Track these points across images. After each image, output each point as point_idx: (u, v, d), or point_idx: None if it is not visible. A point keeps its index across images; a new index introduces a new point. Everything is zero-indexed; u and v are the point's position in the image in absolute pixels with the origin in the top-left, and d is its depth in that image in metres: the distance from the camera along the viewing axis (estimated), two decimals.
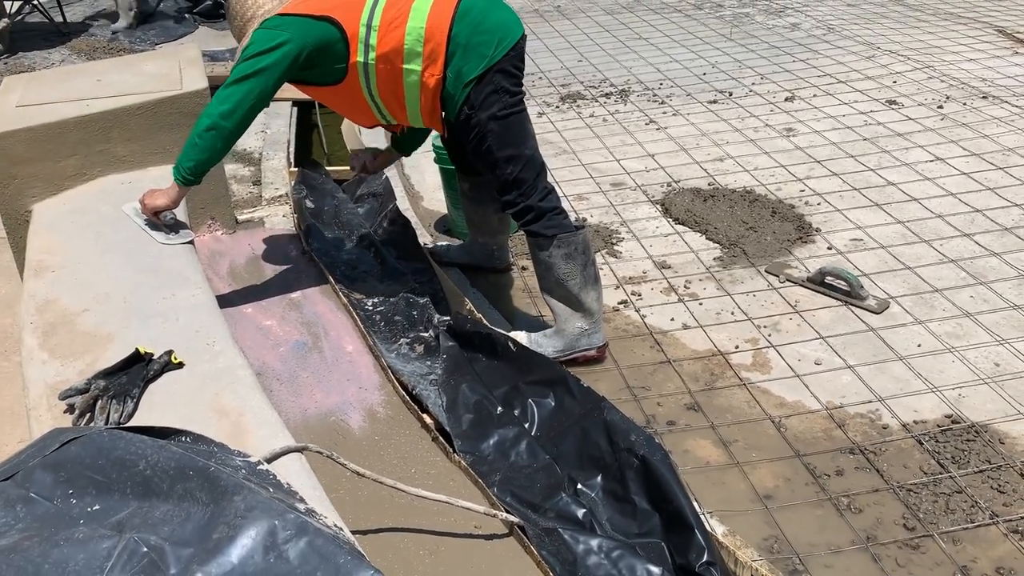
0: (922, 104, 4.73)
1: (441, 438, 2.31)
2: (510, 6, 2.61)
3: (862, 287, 2.99)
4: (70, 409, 1.76)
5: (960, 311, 2.91)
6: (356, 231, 3.48)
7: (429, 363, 2.64)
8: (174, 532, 1.32)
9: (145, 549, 1.27)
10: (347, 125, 4.85)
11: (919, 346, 2.76)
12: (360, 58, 2.46)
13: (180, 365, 1.87)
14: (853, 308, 2.97)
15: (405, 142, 3.05)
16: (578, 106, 5.05)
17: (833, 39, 6.05)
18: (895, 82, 5.10)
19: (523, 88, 2.60)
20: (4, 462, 1.48)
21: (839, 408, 2.52)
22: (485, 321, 2.78)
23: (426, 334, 2.80)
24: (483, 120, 2.49)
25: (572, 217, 2.84)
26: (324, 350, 2.71)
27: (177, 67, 3.28)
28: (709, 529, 1.94)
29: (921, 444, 2.36)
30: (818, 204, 3.70)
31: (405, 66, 2.46)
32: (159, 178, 2.88)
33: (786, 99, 4.95)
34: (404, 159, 4.37)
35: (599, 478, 2.09)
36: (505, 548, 1.91)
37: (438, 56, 2.44)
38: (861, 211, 3.63)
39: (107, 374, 1.80)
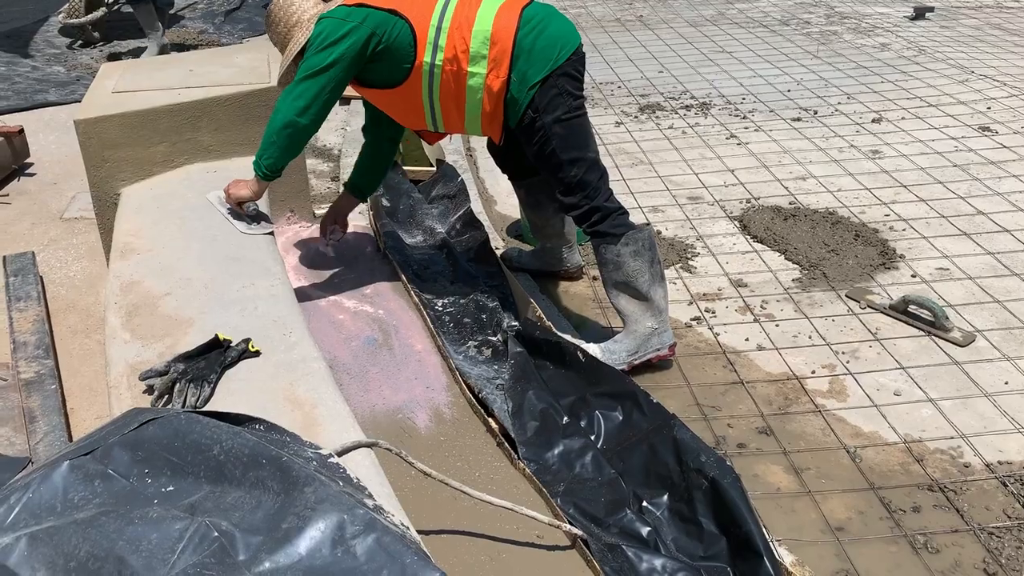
0: (1018, 132, 4.55)
1: (506, 444, 2.29)
2: (568, 18, 2.64)
3: (947, 318, 2.88)
4: (149, 390, 1.79)
5: None
6: (430, 231, 3.50)
7: (496, 367, 2.63)
8: (244, 519, 1.33)
9: (216, 534, 1.28)
10: None
11: (1006, 383, 2.64)
12: (427, 58, 2.50)
13: (257, 353, 1.89)
14: (937, 339, 2.86)
15: (365, 184, 3.08)
16: (657, 117, 5.00)
17: (924, 61, 5.87)
18: (989, 108, 4.92)
19: (584, 93, 2.62)
20: (84, 437, 1.52)
21: (918, 442, 2.42)
22: (554, 328, 2.76)
23: (494, 338, 2.79)
24: (548, 123, 2.51)
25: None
26: (394, 347, 2.72)
27: (266, 61, 3.35)
28: (778, 557, 1.88)
29: (1005, 486, 2.25)
30: (903, 230, 3.58)
31: (470, 69, 2.49)
32: (243, 168, 2.93)
33: (873, 120, 4.81)
34: (479, 162, 4.38)
35: (666, 497, 2.05)
36: (567, 560, 1.89)
37: (503, 59, 2.47)
38: (948, 239, 3.50)
39: (186, 358, 1.83)
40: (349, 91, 4.95)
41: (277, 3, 2.64)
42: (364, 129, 3.04)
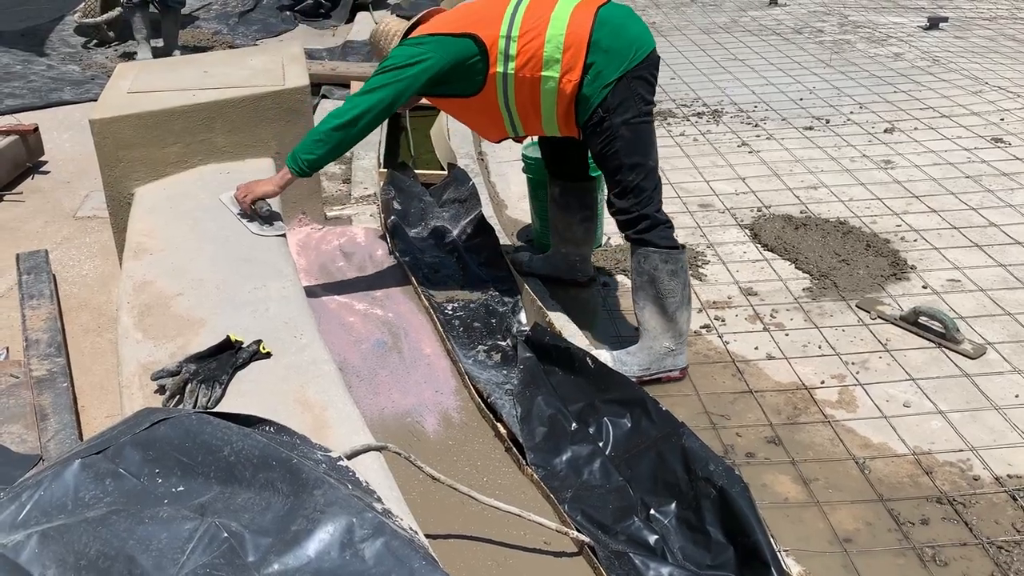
0: None
1: (514, 449, 2.30)
2: (644, 22, 2.66)
3: (958, 330, 2.87)
4: (161, 390, 1.80)
5: None
6: (440, 235, 3.51)
7: (505, 372, 2.63)
8: (254, 520, 1.33)
9: (226, 535, 1.29)
10: (436, 129, 4.90)
11: (1016, 396, 2.63)
12: (500, 68, 2.55)
13: (268, 355, 1.90)
14: (947, 351, 2.85)
15: None
16: (668, 124, 5.00)
17: (938, 71, 5.85)
18: (1003, 119, 4.90)
19: (655, 101, 2.65)
20: (96, 436, 1.52)
21: (927, 454, 2.41)
22: (563, 334, 2.76)
23: (504, 343, 2.79)
24: (616, 124, 2.53)
25: None
26: (403, 351, 2.73)
27: (280, 63, 3.36)
28: (785, 568, 1.87)
29: (1015, 500, 2.24)
30: (915, 241, 3.57)
31: (544, 73, 2.52)
32: (256, 170, 2.95)
33: (885, 130, 4.80)
34: (490, 167, 4.39)
35: (673, 505, 2.05)
36: (574, 567, 1.89)
37: (577, 62, 2.50)
38: (960, 251, 3.49)
39: (198, 358, 1.84)
40: None
41: (378, 28, 2.82)
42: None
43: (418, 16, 2.74)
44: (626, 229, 2.64)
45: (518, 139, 2.90)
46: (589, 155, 2.94)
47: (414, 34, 2.64)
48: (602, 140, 2.57)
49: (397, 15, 2.89)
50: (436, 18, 2.67)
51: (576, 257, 3.20)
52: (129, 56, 6.26)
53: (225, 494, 1.39)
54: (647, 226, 2.60)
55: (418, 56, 2.53)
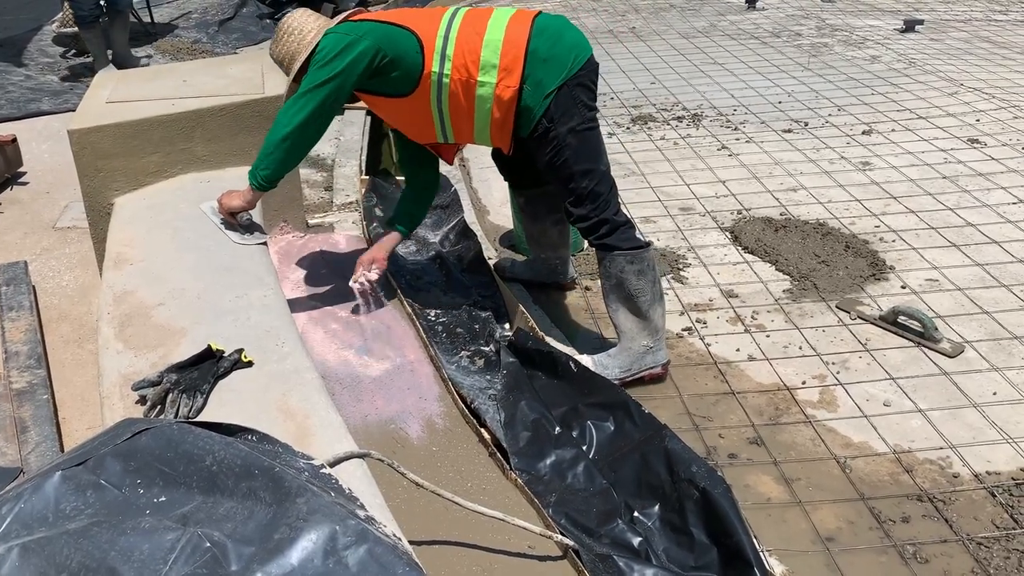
0: (1006, 144, 4.59)
1: (498, 454, 2.30)
2: (580, 30, 2.65)
3: (936, 329, 2.90)
4: (142, 400, 1.80)
5: None
6: (423, 241, 3.51)
7: (489, 377, 2.64)
8: (236, 529, 1.33)
9: (208, 544, 1.29)
10: None
11: (995, 394, 2.66)
12: (435, 68, 2.50)
13: (249, 364, 1.90)
14: (926, 350, 2.88)
15: (407, 215, 3.03)
16: (649, 128, 5.02)
17: (914, 73, 5.91)
18: (978, 120, 4.96)
19: (597, 106, 2.63)
20: (76, 448, 1.52)
21: (907, 452, 2.44)
22: (547, 339, 2.77)
23: (487, 348, 2.80)
24: (562, 133, 2.51)
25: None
26: (387, 357, 2.73)
27: (260, 71, 3.36)
28: (768, 568, 1.89)
29: (994, 496, 2.27)
30: (893, 241, 3.61)
31: (479, 78, 2.49)
32: (237, 178, 2.94)
33: (863, 132, 4.85)
34: (472, 172, 4.40)
35: (657, 507, 2.06)
36: (558, 571, 1.89)
37: (514, 69, 2.47)
38: (938, 251, 3.53)
39: (179, 368, 1.83)
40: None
41: (285, 21, 2.68)
42: (400, 163, 3.03)
43: (342, 16, 2.62)
44: (587, 235, 2.63)
45: (452, 148, 2.87)
46: None
47: (341, 20, 2.55)
48: (550, 150, 2.54)
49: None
50: (366, 14, 2.60)
51: (556, 260, 3.21)
52: (88, 71, 6.15)
53: (207, 504, 1.39)
54: (607, 230, 2.58)
55: (352, 42, 2.44)
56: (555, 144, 2.52)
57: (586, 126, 2.55)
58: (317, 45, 2.52)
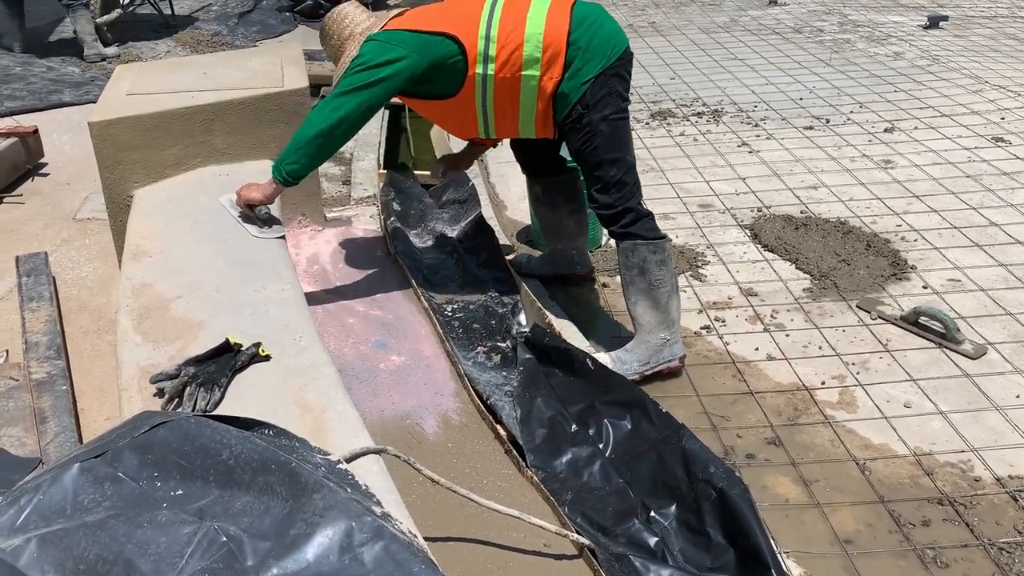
0: None
1: (514, 451, 2.29)
2: (616, 20, 2.67)
3: (958, 330, 2.87)
4: (160, 393, 1.80)
5: None
6: (440, 236, 3.50)
7: (505, 374, 2.63)
8: (253, 524, 1.33)
9: (224, 539, 1.28)
10: (436, 130, 4.90)
11: (1018, 397, 2.63)
12: (479, 70, 2.53)
13: (267, 358, 1.90)
14: (948, 352, 2.84)
15: None
16: (668, 124, 4.99)
17: (938, 71, 5.84)
18: (1003, 118, 4.90)
19: (630, 98, 2.67)
20: (94, 440, 1.52)
21: (928, 455, 2.41)
22: (563, 335, 2.75)
23: (503, 344, 2.79)
24: (595, 121, 2.54)
25: None
26: (403, 352, 2.73)
27: (279, 65, 3.36)
28: (786, 570, 1.87)
29: (1016, 500, 2.24)
30: (915, 240, 3.57)
31: (524, 73, 2.53)
32: (256, 171, 2.95)
33: (885, 130, 4.80)
34: (490, 167, 4.38)
35: (673, 507, 2.05)
36: (574, 570, 1.88)
37: (557, 60, 2.51)
38: (960, 251, 3.48)
39: (197, 361, 1.84)
40: None
41: (331, 16, 2.73)
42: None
43: (391, 15, 2.66)
44: (611, 224, 2.65)
45: (484, 141, 2.90)
46: (563, 149, 2.95)
47: (387, 27, 2.58)
48: (581, 137, 2.58)
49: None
50: (410, 14, 2.62)
51: (573, 251, 3.20)
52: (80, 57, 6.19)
53: (224, 498, 1.38)
54: (631, 219, 2.61)
55: (395, 56, 2.47)
56: (588, 131, 2.56)
57: (618, 116, 2.59)
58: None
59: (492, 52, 2.51)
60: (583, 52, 2.51)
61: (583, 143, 2.58)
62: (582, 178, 2.81)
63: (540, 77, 2.52)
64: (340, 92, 2.50)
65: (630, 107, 2.71)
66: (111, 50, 6.26)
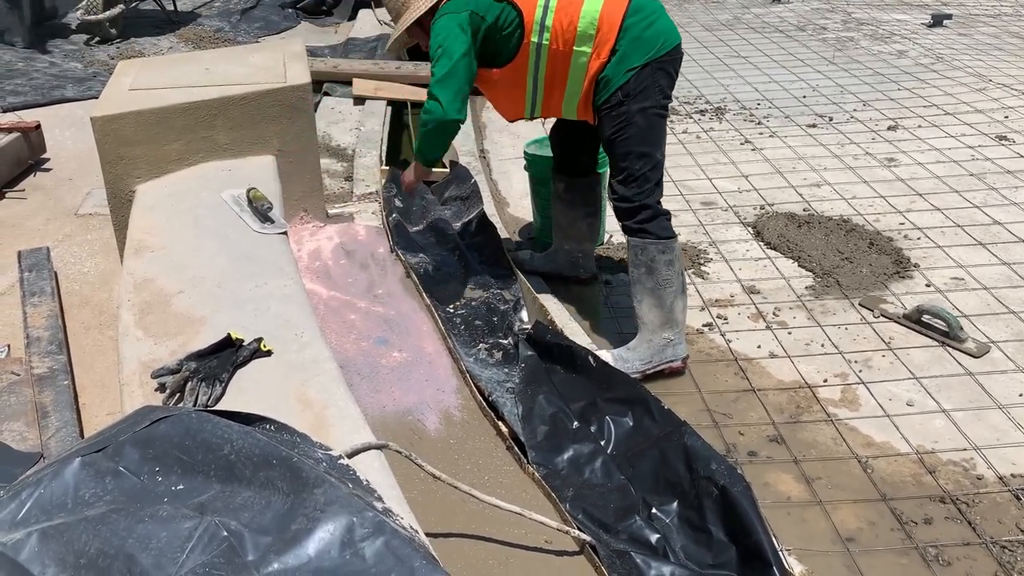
0: None
1: (515, 447, 2.29)
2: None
3: (961, 328, 2.86)
4: (161, 388, 1.79)
5: None
6: (442, 233, 3.50)
7: (507, 370, 2.62)
8: (254, 519, 1.32)
9: (225, 533, 1.28)
10: None
11: (1020, 395, 2.62)
12: (535, 39, 2.58)
13: (269, 353, 1.89)
14: (950, 350, 2.84)
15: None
16: (671, 121, 4.98)
17: (942, 69, 5.83)
18: (1007, 117, 4.88)
19: (672, 97, 2.71)
20: (96, 434, 1.52)
21: (930, 453, 2.41)
22: (565, 332, 2.75)
23: (505, 341, 2.78)
24: (633, 111, 2.57)
25: None
26: (405, 348, 2.72)
27: (282, 61, 3.35)
28: (787, 567, 1.87)
29: (1018, 499, 2.23)
30: (918, 239, 3.56)
31: (576, 48, 2.57)
32: (258, 167, 2.95)
33: (889, 128, 4.79)
34: (492, 164, 4.38)
35: (675, 504, 2.04)
36: (575, 566, 1.88)
37: (607, 42, 2.55)
38: (964, 249, 3.48)
39: (198, 356, 1.83)
40: (362, 91, 4.91)
41: None
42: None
43: None
44: (626, 218, 2.65)
45: (531, 119, 2.91)
46: (598, 149, 2.95)
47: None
48: (616, 124, 2.59)
49: None
50: None
51: (579, 253, 3.19)
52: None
53: (225, 493, 1.38)
54: (648, 216, 2.61)
55: (460, 20, 2.53)
56: (624, 120, 2.58)
57: (657, 111, 2.61)
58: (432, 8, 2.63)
59: (548, 22, 2.55)
60: (633, 40, 2.54)
61: (616, 131, 2.60)
62: (604, 184, 2.82)
63: (591, 54, 2.56)
64: (443, 76, 2.55)
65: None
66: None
